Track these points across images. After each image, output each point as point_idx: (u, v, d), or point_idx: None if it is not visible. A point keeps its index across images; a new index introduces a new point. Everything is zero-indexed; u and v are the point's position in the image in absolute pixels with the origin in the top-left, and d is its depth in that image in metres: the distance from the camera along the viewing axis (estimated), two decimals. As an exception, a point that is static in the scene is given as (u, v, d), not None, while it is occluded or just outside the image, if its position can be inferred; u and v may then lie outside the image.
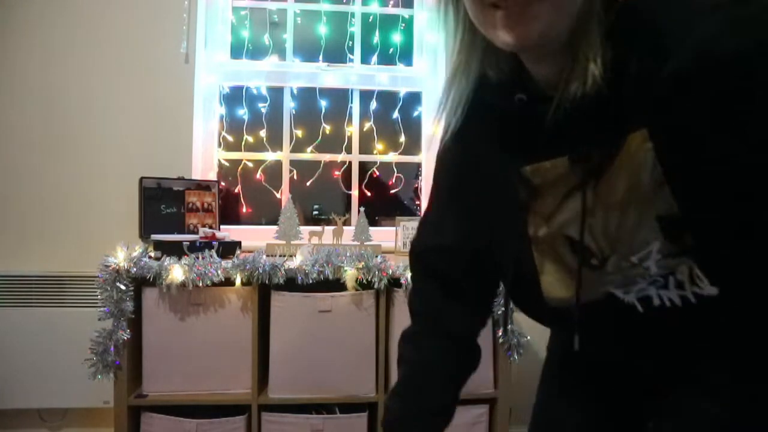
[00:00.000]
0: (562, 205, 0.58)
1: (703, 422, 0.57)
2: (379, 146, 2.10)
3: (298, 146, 2.07)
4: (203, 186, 1.85)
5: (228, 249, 1.61)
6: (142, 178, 1.74)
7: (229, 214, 2.03)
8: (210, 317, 1.51)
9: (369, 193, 2.08)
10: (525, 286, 0.65)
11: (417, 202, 2.13)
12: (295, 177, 2.06)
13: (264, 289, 1.52)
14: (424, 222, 0.80)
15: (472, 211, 0.70)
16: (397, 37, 2.10)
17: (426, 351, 0.76)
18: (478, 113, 0.64)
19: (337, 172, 2.08)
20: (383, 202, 2.14)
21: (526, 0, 0.50)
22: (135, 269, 1.44)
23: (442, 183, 0.77)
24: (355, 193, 2.08)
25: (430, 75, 2.07)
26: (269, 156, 2.05)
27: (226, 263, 1.48)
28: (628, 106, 0.51)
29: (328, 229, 1.75)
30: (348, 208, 2.08)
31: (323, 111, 2.07)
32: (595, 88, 0.51)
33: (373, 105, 2.08)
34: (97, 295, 1.45)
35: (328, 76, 2.05)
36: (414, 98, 2.10)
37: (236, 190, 2.05)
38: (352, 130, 2.08)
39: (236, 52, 2.05)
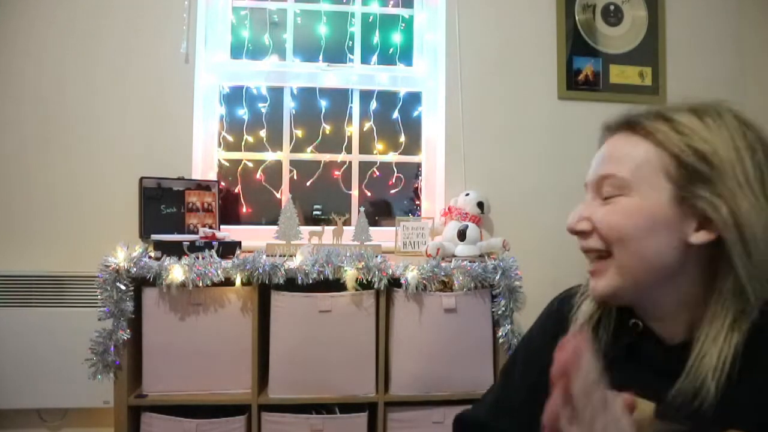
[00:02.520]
0: None
1: None
2: (379, 146, 2.10)
3: (298, 146, 2.07)
4: (203, 186, 1.85)
5: (228, 249, 1.61)
6: (142, 178, 1.74)
7: (229, 214, 2.03)
8: (210, 317, 1.51)
9: (369, 193, 2.08)
10: None
11: (417, 202, 2.13)
12: (295, 177, 2.06)
13: (264, 289, 1.52)
14: (492, 400, 0.80)
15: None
16: (397, 37, 2.10)
17: None
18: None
19: (337, 172, 2.08)
20: (383, 202, 2.15)
21: (595, 257, 0.62)
22: (135, 269, 1.44)
23: (524, 377, 0.76)
24: (355, 193, 2.08)
25: (430, 75, 2.07)
26: (269, 156, 2.04)
27: (226, 263, 1.48)
28: (741, 401, 0.54)
29: (328, 229, 1.75)
30: (348, 208, 2.08)
31: (323, 111, 2.07)
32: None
33: (373, 105, 2.08)
34: (97, 295, 1.45)
35: (328, 76, 2.05)
36: (414, 98, 2.10)
37: (236, 190, 2.05)
38: (352, 130, 2.08)
39: (236, 52, 2.05)
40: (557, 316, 0.75)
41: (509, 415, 0.75)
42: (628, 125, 0.62)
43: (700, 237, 0.57)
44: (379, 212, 2.15)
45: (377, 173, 2.08)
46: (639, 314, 0.65)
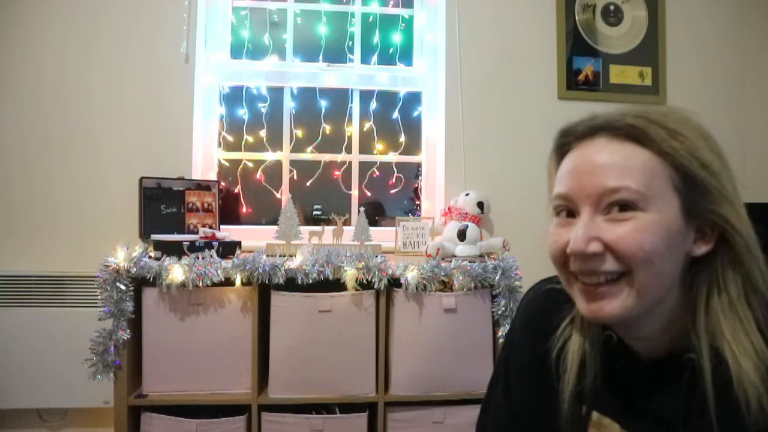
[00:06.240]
0: None
1: None
2: (379, 146, 2.10)
3: (298, 146, 2.07)
4: (203, 186, 1.85)
5: (228, 249, 1.61)
6: (142, 178, 1.74)
7: (229, 214, 2.03)
8: (210, 317, 1.51)
9: (369, 193, 2.09)
10: None
11: (417, 202, 2.13)
12: (295, 177, 2.06)
13: (264, 289, 1.52)
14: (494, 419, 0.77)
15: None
16: (397, 37, 2.10)
17: None
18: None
19: (337, 172, 2.08)
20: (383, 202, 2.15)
21: (603, 279, 0.56)
22: (135, 269, 1.44)
23: (514, 392, 0.74)
24: (355, 193, 2.08)
25: (430, 75, 2.07)
26: (269, 156, 2.05)
27: (226, 263, 1.48)
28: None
29: (328, 229, 1.75)
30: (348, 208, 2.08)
31: (323, 111, 2.07)
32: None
33: (373, 105, 2.08)
34: (97, 295, 1.45)
35: (328, 76, 2.05)
36: (414, 98, 2.10)
37: (236, 190, 2.05)
38: (352, 130, 2.08)
39: (236, 52, 2.05)
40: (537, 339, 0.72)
41: None
42: (610, 130, 0.57)
43: (701, 248, 0.56)
44: (376, 212, 2.15)
45: (377, 173, 2.08)
46: (614, 330, 0.63)
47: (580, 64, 2.03)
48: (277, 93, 2.07)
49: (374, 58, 2.09)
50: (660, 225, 0.54)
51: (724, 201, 0.55)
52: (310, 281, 1.49)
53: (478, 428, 0.79)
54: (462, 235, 1.75)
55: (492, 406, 0.77)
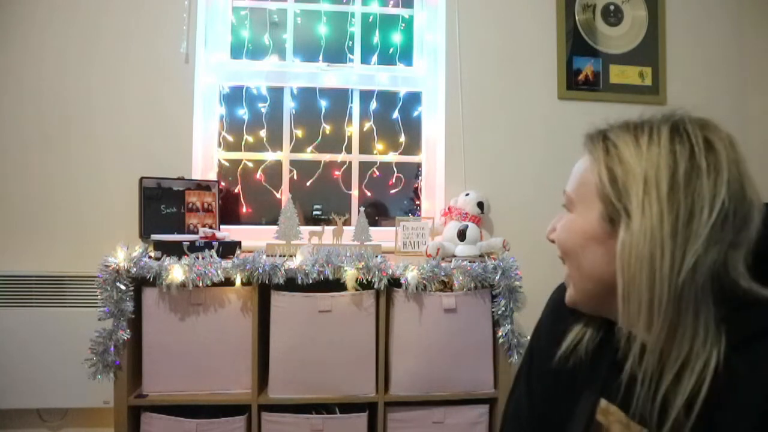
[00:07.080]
0: None
1: None
2: (379, 146, 2.10)
3: (298, 146, 2.07)
4: (203, 186, 1.85)
5: (228, 249, 1.61)
6: (142, 178, 1.74)
7: (229, 214, 2.03)
8: (210, 317, 1.51)
9: (369, 193, 2.09)
10: None
11: (417, 202, 2.13)
12: (295, 177, 2.06)
13: (264, 289, 1.52)
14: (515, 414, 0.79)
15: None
16: (397, 37, 2.10)
17: None
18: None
19: (337, 172, 2.08)
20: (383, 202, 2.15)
21: (564, 260, 0.65)
22: (135, 269, 1.44)
23: (534, 381, 0.76)
24: (355, 193, 2.08)
25: (430, 75, 2.07)
26: (269, 156, 2.05)
27: (226, 263, 1.48)
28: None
29: (328, 229, 1.75)
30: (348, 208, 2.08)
31: (323, 111, 2.07)
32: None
33: (373, 105, 2.08)
34: (97, 295, 1.45)
35: (328, 76, 2.05)
36: (414, 98, 2.10)
37: (236, 190, 2.05)
38: (352, 130, 2.08)
39: (236, 52, 2.05)
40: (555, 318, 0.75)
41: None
42: (586, 141, 0.64)
43: None
44: (377, 212, 2.15)
45: (377, 173, 2.08)
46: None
47: (580, 64, 2.03)
48: (277, 93, 2.07)
49: (374, 58, 2.09)
50: (575, 225, 0.62)
51: (635, 215, 0.54)
52: (310, 281, 1.49)
53: (504, 413, 0.82)
54: (462, 235, 1.75)
55: (514, 398, 0.80)
